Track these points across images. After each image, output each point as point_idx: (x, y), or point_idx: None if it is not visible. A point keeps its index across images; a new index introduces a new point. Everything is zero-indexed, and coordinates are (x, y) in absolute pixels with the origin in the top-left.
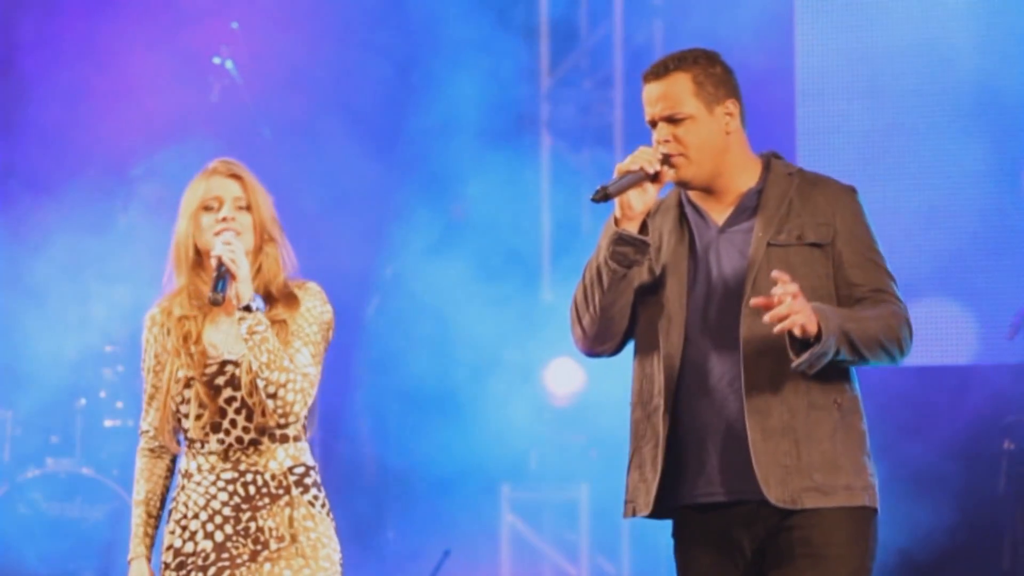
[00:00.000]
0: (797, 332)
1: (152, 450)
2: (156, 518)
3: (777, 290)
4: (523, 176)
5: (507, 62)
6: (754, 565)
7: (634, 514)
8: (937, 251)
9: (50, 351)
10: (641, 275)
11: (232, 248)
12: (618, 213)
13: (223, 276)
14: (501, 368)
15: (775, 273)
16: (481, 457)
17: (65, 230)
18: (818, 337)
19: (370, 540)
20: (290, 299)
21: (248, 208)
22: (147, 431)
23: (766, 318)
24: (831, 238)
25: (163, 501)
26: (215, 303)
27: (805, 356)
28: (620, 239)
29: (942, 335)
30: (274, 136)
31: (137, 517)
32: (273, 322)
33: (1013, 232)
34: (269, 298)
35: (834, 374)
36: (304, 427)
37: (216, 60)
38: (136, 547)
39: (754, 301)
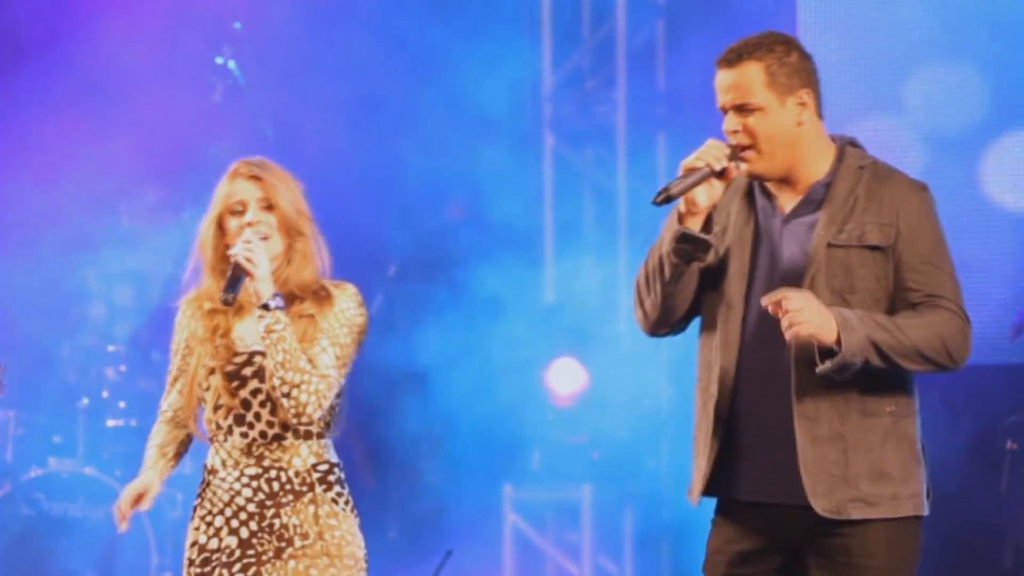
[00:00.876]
0: (813, 341)
1: (169, 421)
2: (169, 460)
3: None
4: (525, 175)
5: (509, 62)
6: (790, 564)
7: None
8: None
9: (52, 351)
10: (706, 256)
11: (250, 247)
12: (682, 208)
13: (237, 276)
14: (503, 368)
15: (763, 300)
16: (483, 457)
17: (67, 229)
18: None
19: (372, 540)
20: (321, 296)
21: (271, 208)
22: (166, 411)
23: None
24: (893, 240)
25: (178, 455)
26: (226, 303)
27: (827, 365)
28: (683, 237)
29: None
30: (276, 136)
31: (149, 452)
32: (300, 317)
33: (1015, 232)
34: (294, 295)
35: (890, 379)
36: (328, 424)
37: (219, 60)
38: (146, 469)
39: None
